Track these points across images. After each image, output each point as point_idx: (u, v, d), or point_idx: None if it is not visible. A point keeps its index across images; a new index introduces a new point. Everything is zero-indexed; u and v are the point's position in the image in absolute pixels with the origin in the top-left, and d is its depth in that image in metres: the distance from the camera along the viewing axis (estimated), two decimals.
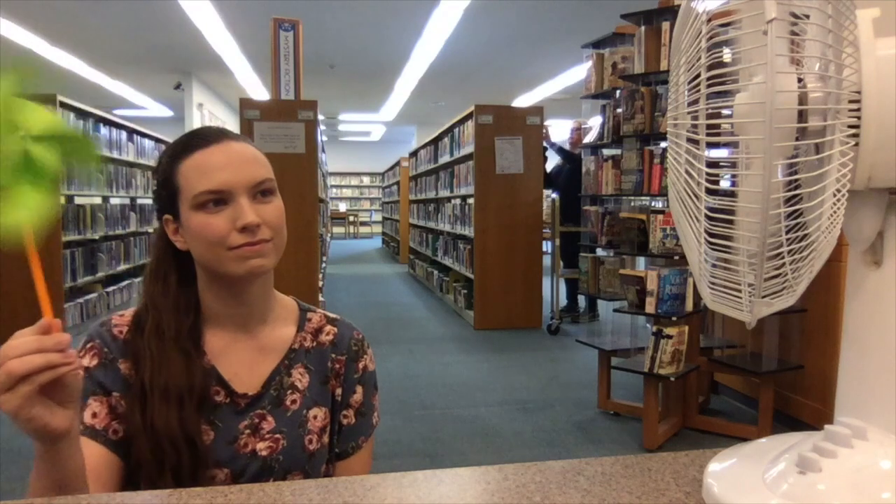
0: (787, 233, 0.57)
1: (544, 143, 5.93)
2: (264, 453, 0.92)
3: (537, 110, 5.96)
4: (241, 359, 0.95)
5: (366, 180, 21.07)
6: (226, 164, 0.88)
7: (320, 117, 9.55)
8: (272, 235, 0.89)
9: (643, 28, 3.35)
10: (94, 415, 0.87)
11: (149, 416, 0.86)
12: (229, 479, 0.90)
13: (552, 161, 6.46)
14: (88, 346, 0.91)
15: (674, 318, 3.02)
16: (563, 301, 6.15)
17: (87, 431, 0.85)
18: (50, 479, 0.72)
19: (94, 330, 0.93)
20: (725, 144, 0.61)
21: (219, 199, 0.87)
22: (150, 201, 8.01)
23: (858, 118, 0.54)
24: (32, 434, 0.68)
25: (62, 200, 5.38)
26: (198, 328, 0.94)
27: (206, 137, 0.91)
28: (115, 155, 6.67)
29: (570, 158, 5.79)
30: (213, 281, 0.92)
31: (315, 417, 0.97)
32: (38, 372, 0.64)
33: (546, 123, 5.98)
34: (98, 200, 6.44)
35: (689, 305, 3.07)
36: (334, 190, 20.11)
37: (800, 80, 0.55)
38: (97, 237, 6.08)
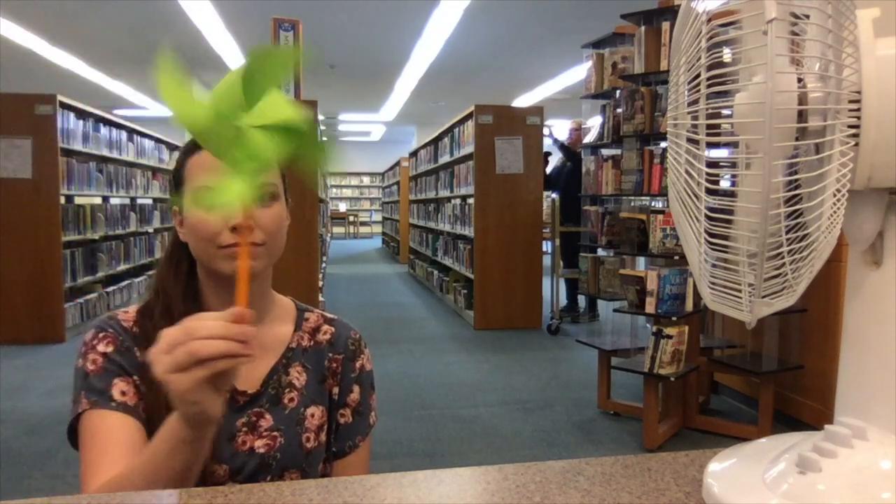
0: (787, 233, 0.57)
1: (546, 137, 5.94)
2: (262, 450, 0.92)
3: (537, 110, 5.96)
4: None
5: (366, 180, 21.06)
6: None
7: (320, 117, 9.54)
8: (265, 240, 0.90)
9: (643, 28, 3.35)
10: (123, 392, 0.88)
11: (163, 396, 0.87)
12: (227, 475, 0.90)
13: (551, 163, 6.47)
14: (101, 335, 0.91)
15: (674, 318, 3.02)
16: (563, 301, 6.15)
17: (122, 407, 0.86)
18: (182, 462, 0.73)
19: (102, 322, 0.93)
20: (725, 144, 0.61)
21: None
22: (149, 201, 8.02)
23: (858, 118, 0.54)
24: (189, 417, 0.68)
25: (62, 200, 5.38)
26: None
27: None
28: (115, 155, 6.67)
29: (573, 156, 5.78)
30: (209, 277, 0.94)
31: (312, 416, 0.97)
32: (219, 358, 0.63)
33: (548, 123, 6.00)
34: (98, 200, 6.45)
35: (689, 305, 3.07)
36: (334, 190, 20.11)
37: (800, 80, 0.55)
38: (97, 237, 6.08)
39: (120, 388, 0.88)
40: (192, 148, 0.93)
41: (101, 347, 0.90)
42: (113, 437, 0.85)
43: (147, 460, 0.75)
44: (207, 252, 0.89)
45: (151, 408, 0.88)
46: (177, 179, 0.94)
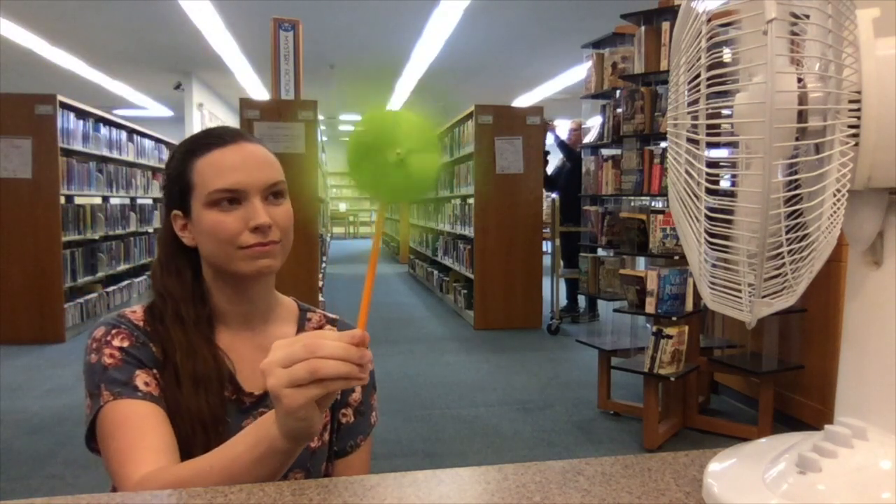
0: (787, 233, 0.57)
1: (548, 133, 5.94)
2: None
3: (537, 110, 5.96)
4: (246, 357, 0.95)
5: None
6: (241, 164, 0.89)
7: (320, 117, 9.55)
8: (281, 237, 0.91)
9: (643, 28, 3.36)
10: (147, 383, 0.87)
11: (182, 400, 0.87)
12: None
13: (552, 163, 6.46)
14: (114, 331, 0.90)
15: (674, 318, 3.02)
16: (563, 301, 6.15)
17: (148, 396, 0.85)
18: (269, 469, 0.73)
19: (112, 319, 0.92)
20: (725, 144, 0.61)
21: (233, 198, 0.89)
22: (149, 201, 8.02)
23: (858, 118, 0.54)
24: (291, 431, 0.68)
25: (62, 200, 5.38)
26: (211, 321, 0.95)
27: (223, 137, 0.92)
28: (115, 155, 6.67)
29: (571, 155, 5.78)
30: (219, 278, 0.94)
31: None
32: (336, 379, 0.64)
33: (555, 122, 6.01)
34: (98, 200, 6.45)
35: (689, 305, 3.07)
36: (334, 190, 20.10)
37: (800, 80, 0.55)
38: (97, 237, 6.08)
39: (143, 380, 0.87)
40: (196, 149, 0.91)
41: (116, 342, 0.89)
42: (147, 423, 0.83)
43: (229, 463, 0.73)
44: (227, 254, 0.89)
45: (170, 404, 0.87)
46: (181, 183, 0.91)
